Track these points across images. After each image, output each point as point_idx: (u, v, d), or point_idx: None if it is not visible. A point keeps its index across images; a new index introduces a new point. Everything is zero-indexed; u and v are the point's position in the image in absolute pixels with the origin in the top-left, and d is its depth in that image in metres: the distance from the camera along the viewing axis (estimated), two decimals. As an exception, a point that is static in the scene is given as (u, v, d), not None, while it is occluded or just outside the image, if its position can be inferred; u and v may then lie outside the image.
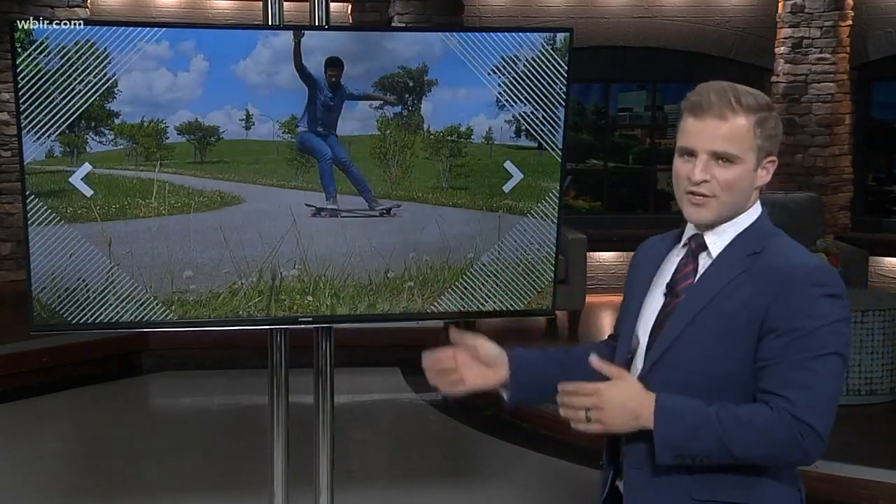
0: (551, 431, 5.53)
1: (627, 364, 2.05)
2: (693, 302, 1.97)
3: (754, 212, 2.01)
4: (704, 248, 2.01)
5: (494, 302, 3.47)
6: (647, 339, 2.03)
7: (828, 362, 1.86)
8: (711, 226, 1.99)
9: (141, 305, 3.25)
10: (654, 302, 2.05)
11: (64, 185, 3.15)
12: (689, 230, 2.06)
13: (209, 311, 3.29)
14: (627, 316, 2.12)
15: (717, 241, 2.00)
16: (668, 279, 2.05)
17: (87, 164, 3.15)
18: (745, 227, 1.99)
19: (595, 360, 1.98)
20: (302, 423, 3.83)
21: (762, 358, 1.88)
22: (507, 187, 3.41)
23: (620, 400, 1.90)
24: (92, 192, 3.17)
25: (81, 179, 3.16)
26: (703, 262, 2.01)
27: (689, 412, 1.87)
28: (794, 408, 1.83)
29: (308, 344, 3.57)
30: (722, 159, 1.92)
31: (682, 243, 2.07)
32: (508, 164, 3.40)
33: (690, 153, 1.94)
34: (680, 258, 2.06)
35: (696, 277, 2.00)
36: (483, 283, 3.45)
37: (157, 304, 3.26)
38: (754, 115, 1.92)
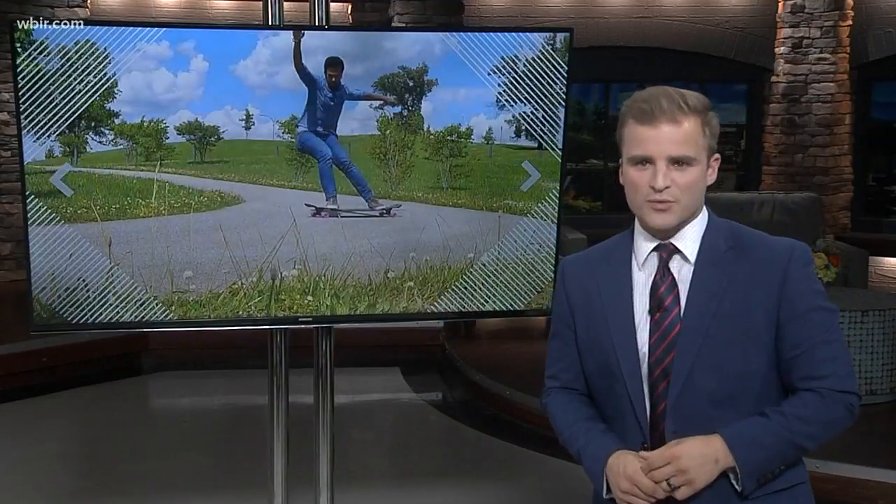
0: (552, 431, 5.52)
1: (641, 395, 1.97)
2: (700, 312, 1.93)
3: (705, 209, 2.01)
4: (675, 253, 1.97)
5: (494, 302, 3.47)
6: (647, 362, 1.96)
7: (837, 326, 1.97)
8: (674, 230, 1.96)
9: (141, 305, 3.25)
10: (640, 325, 1.98)
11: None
12: (644, 242, 2.00)
13: (209, 311, 3.29)
14: (602, 345, 2.01)
15: (688, 245, 1.97)
16: (644, 297, 1.98)
17: (66, 164, 3.14)
18: (706, 225, 1.99)
19: (644, 454, 1.92)
20: (302, 423, 3.83)
21: (794, 346, 1.93)
22: (524, 186, 3.41)
23: (697, 453, 1.88)
24: (72, 191, 3.16)
25: (61, 179, 3.15)
26: (679, 268, 1.97)
27: (759, 434, 1.89)
28: (835, 382, 1.92)
29: (308, 344, 3.57)
30: (679, 163, 1.90)
31: (642, 257, 2.00)
32: (526, 164, 3.40)
33: (647, 161, 1.91)
34: (651, 272, 1.99)
35: (682, 287, 1.96)
36: (483, 283, 3.45)
37: (157, 304, 3.26)
38: (701, 116, 1.92)
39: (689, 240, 1.97)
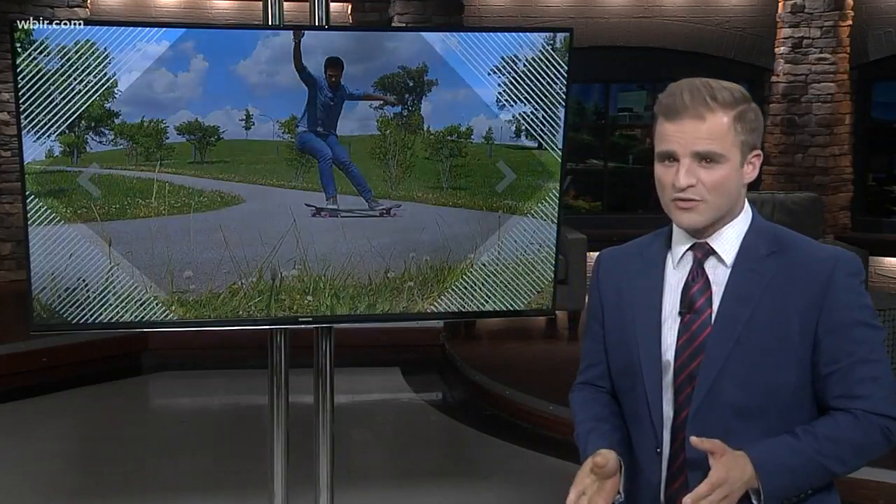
0: (551, 431, 5.53)
1: (658, 398, 1.88)
2: (732, 317, 1.84)
3: (748, 210, 1.91)
4: (711, 254, 1.88)
5: (494, 302, 3.47)
6: (672, 365, 1.87)
7: (881, 346, 1.86)
8: (705, 230, 1.87)
9: (141, 305, 3.25)
10: (667, 324, 1.89)
11: (64, 185, 3.16)
12: (681, 240, 1.91)
13: (209, 311, 3.29)
14: (627, 344, 1.94)
15: (726, 248, 1.88)
16: (675, 297, 1.90)
17: (95, 163, 3.16)
18: (748, 226, 1.89)
19: (695, 440, 1.77)
20: (302, 423, 3.83)
21: (831, 361, 1.82)
22: (499, 187, 3.40)
23: (737, 476, 1.74)
24: (100, 191, 3.17)
25: (89, 179, 3.17)
26: (714, 270, 1.88)
27: (787, 455, 1.78)
28: (873, 405, 1.81)
29: (308, 344, 3.57)
30: (705, 160, 1.80)
31: (678, 256, 1.92)
32: (501, 165, 3.39)
33: (671, 157, 1.83)
34: (686, 272, 1.90)
35: (716, 289, 1.87)
36: (483, 283, 3.45)
37: (157, 304, 3.26)
38: (732, 110, 1.81)
39: (728, 241, 1.88)
